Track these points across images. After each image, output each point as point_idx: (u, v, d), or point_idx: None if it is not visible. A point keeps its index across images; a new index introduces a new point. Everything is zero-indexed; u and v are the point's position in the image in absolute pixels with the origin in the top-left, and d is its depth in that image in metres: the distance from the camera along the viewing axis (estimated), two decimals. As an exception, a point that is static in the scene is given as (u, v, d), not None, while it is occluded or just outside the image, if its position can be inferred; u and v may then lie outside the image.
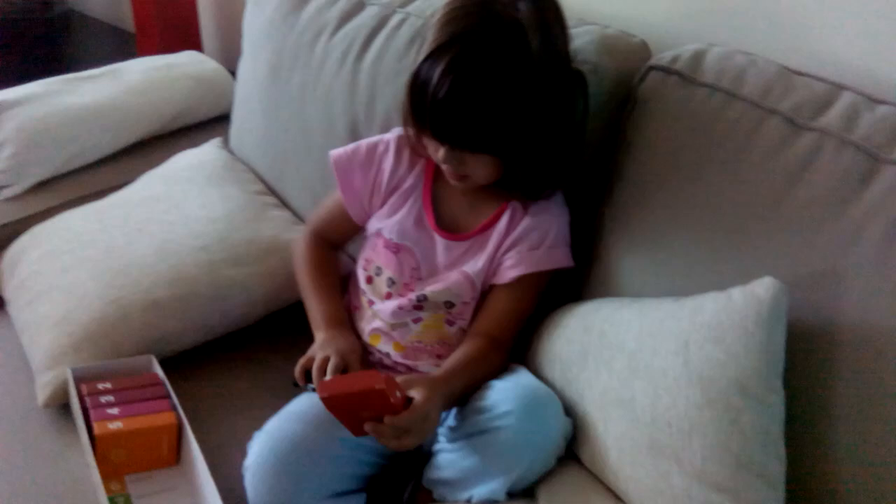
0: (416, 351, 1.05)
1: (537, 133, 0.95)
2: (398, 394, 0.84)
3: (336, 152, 1.12)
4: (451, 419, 0.94)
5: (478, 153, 0.95)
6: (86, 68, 1.66)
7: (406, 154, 1.08)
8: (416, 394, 0.87)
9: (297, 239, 1.18)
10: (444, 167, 0.99)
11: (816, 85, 0.94)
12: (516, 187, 1.01)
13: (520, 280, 1.00)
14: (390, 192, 1.08)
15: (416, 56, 0.96)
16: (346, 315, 1.10)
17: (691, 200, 0.95)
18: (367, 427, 0.85)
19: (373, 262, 1.07)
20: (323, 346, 1.01)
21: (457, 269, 1.02)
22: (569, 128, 1.00)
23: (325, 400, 0.83)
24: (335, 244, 1.17)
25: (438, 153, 0.96)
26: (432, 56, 0.91)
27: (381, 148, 1.09)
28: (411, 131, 1.01)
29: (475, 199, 1.05)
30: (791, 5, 1.04)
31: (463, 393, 0.94)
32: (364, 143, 1.11)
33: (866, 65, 0.98)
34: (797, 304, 0.81)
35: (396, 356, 1.05)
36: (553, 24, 0.95)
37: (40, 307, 1.18)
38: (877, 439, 0.79)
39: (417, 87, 0.92)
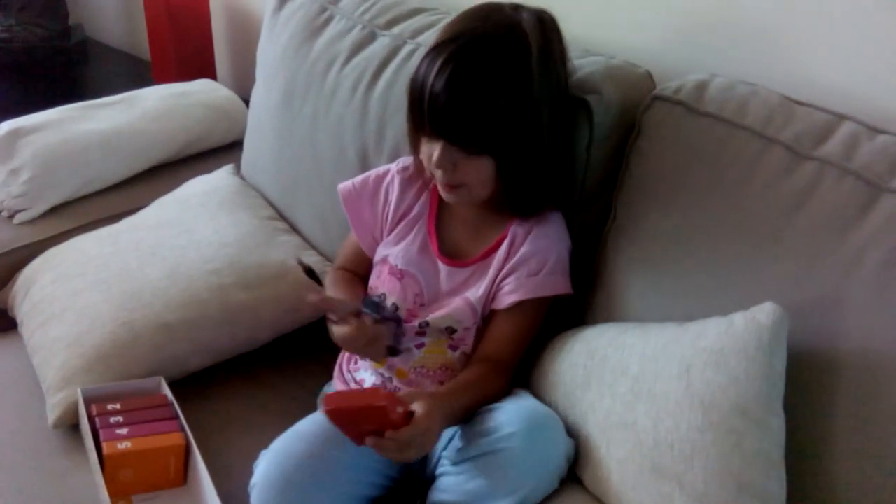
0: (419, 376, 1.05)
1: (531, 139, 0.96)
2: (399, 409, 0.86)
3: (344, 186, 1.13)
4: (454, 441, 0.94)
5: (472, 154, 0.95)
6: (103, 95, 1.69)
7: (412, 183, 1.10)
8: (417, 408, 0.88)
9: (328, 276, 1.19)
10: (438, 177, 0.98)
11: (817, 114, 0.96)
12: (513, 203, 1.02)
13: (519, 306, 1.01)
14: (397, 221, 1.10)
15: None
16: None
17: (694, 228, 0.97)
18: (369, 441, 0.86)
19: (378, 288, 1.09)
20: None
21: (459, 296, 1.03)
22: (565, 143, 1.02)
23: (329, 412, 0.85)
24: (361, 277, 1.17)
25: (434, 156, 0.96)
26: (433, 52, 0.94)
27: (387, 179, 1.11)
28: (412, 137, 1.02)
29: (478, 227, 1.06)
30: (792, 36, 1.06)
31: (464, 413, 0.95)
32: (371, 174, 1.13)
33: (867, 94, 1.00)
34: (798, 329, 0.82)
35: (399, 382, 1.06)
36: (553, 39, 0.99)
37: (52, 329, 1.20)
38: (877, 464, 0.79)
39: (416, 82, 0.95)
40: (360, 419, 0.85)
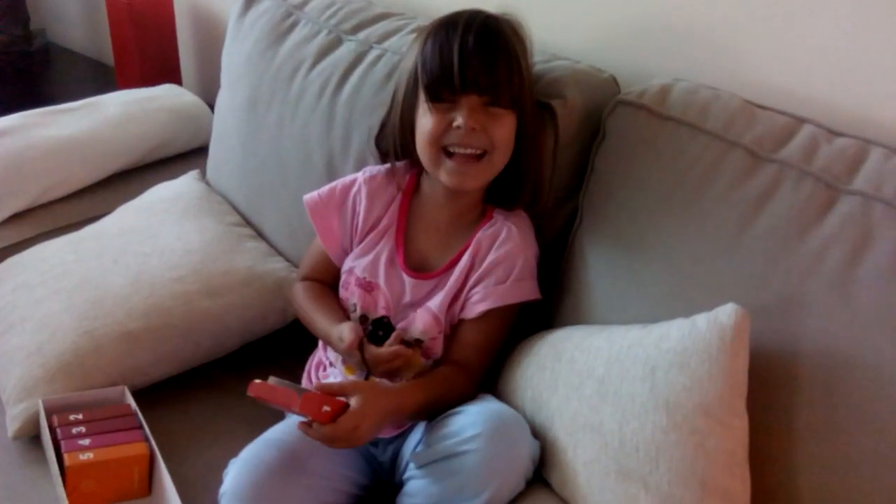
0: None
1: (529, 115, 1.01)
2: (326, 408, 0.88)
3: (310, 197, 1.12)
4: (420, 445, 0.94)
5: (500, 108, 0.97)
6: (66, 101, 1.67)
7: (380, 193, 1.09)
8: (353, 403, 0.90)
9: (293, 289, 1.17)
10: (460, 145, 0.97)
11: (778, 118, 0.98)
12: (497, 189, 1.04)
13: (487, 314, 1.01)
14: (367, 231, 1.09)
15: (395, 73, 1.04)
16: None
17: (658, 230, 0.98)
18: (298, 426, 0.91)
19: (347, 300, 1.08)
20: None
21: (422, 307, 1.03)
22: (539, 140, 1.05)
23: (251, 396, 0.89)
24: (329, 285, 1.16)
25: (459, 118, 0.96)
26: (444, 26, 0.98)
27: (354, 189, 1.10)
28: (401, 130, 1.03)
29: (446, 236, 1.06)
30: (754, 41, 1.07)
31: (420, 409, 0.96)
32: (338, 184, 1.12)
33: (826, 99, 1.02)
34: (760, 330, 0.83)
35: None
36: (525, 41, 1.03)
37: (13, 339, 1.18)
38: (838, 461, 0.80)
39: (437, 53, 0.97)
40: (283, 408, 0.91)
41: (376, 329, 1.02)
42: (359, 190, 1.10)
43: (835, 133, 0.94)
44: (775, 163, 0.92)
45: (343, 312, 1.08)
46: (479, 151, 0.98)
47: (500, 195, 1.06)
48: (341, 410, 0.89)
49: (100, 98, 1.71)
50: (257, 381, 0.90)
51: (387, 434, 1.03)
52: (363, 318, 1.05)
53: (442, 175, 1.00)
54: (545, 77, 1.09)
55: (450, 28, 0.98)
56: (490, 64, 0.96)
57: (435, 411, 0.96)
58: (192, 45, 2.07)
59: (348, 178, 1.13)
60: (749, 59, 1.08)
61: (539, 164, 1.06)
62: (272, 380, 0.91)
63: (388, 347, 0.98)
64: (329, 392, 0.91)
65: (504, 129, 0.98)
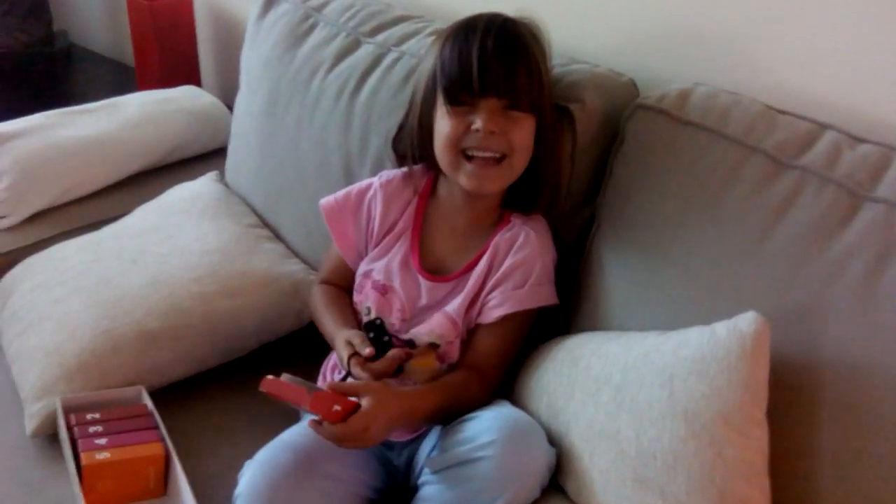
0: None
1: (548, 119, 1.00)
2: (336, 407, 0.88)
3: (326, 202, 1.13)
4: (436, 451, 0.94)
5: (520, 112, 0.97)
6: (87, 102, 1.68)
7: (396, 197, 1.09)
8: (363, 403, 0.89)
9: (311, 293, 1.18)
10: (479, 149, 0.97)
11: (799, 124, 0.96)
12: (515, 193, 1.04)
13: (504, 319, 1.01)
14: (382, 235, 1.09)
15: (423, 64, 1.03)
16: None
17: (678, 236, 0.97)
18: (309, 424, 0.91)
19: (362, 303, 1.08)
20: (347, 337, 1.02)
21: (439, 311, 1.03)
22: (558, 144, 1.04)
23: (263, 391, 0.90)
24: (346, 290, 1.16)
25: (478, 121, 0.96)
26: (463, 29, 0.98)
27: (370, 193, 1.10)
28: (420, 133, 1.03)
29: (463, 240, 1.06)
30: (776, 46, 1.06)
31: (432, 413, 0.96)
32: (354, 189, 1.12)
33: (849, 104, 1.01)
34: (780, 338, 0.82)
35: None
36: (544, 45, 1.02)
37: (32, 338, 1.19)
38: (859, 473, 0.79)
39: (456, 56, 0.96)
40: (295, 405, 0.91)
41: (368, 332, 1.01)
42: (374, 194, 1.10)
43: (858, 139, 0.93)
44: (797, 169, 0.91)
45: (355, 317, 1.08)
46: (498, 155, 0.98)
47: (518, 199, 1.05)
48: (352, 410, 0.89)
49: (119, 99, 1.72)
50: (270, 376, 0.90)
51: (402, 438, 1.03)
52: (368, 325, 1.04)
53: (461, 178, 1.00)
54: (563, 81, 1.09)
55: (469, 31, 0.98)
56: (509, 67, 0.96)
57: (448, 416, 0.96)
58: (211, 47, 2.08)
59: (364, 183, 1.12)
60: (770, 63, 1.07)
61: (558, 168, 1.05)
62: (285, 377, 0.92)
63: (381, 360, 0.97)
64: (341, 392, 0.91)
65: (523, 132, 0.98)
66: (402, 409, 0.93)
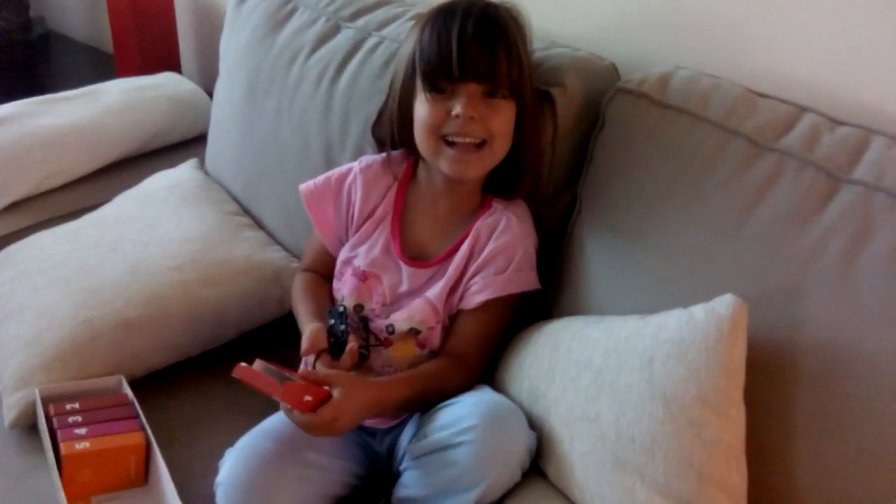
0: (388, 374, 1.04)
1: (529, 103, 1.00)
2: (308, 398, 0.88)
3: (305, 187, 1.12)
4: (417, 436, 0.94)
5: (500, 98, 0.96)
6: (65, 89, 1.66)
7: (376, 182, 1.08)
8: (335, 394, 0.90)
9: (294, 281, 1.17)
10: (459, 135, 0.96)
11: (780, 107, 0.96)
12: (496, 178, 1.03)
13: (486, 304, 1.01)
14: (363, 221, 1.08)
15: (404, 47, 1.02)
16: None
17: (658, 220, 0.97)
18: (281, 408, 0.92)
19: (339, 290, 1.08)
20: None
21: (420, 296, 1.03)
22: (536, 130, 1.03)
23: (236, 377, 0.89)
24: (327, 277, 1.16)
25: (458, 107, 0.95)
26: (443, 13, 0.97)
27: (350, 178, 1.10)
28: (399, 118, 1.02)
29: (444, 226, 1.05)
30: (757, 29, 1.06)
31: (403, 403, 0.96)
32: (334, 174, 1.11)
33: (830, 87, 1.01)
34: (759, 320, 0.82)
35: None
36: (525, 29, 1.02)
37: (11, 328, 1.18)
38: (836, 453, 0.80)
39: (435, 40, 0.95)
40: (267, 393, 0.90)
41: (329, 318, 1.00)
42: (354, 179, 1.09)
43: (837, 122, 0.93)
44: (776, 152, 0.91)
45: (330, 305, 1.08)
46: (478, 140, 0.97)
47: (499, 184, 1.05)
48: (323, 400, 0.89)
49: (98, 86, 1.70)
50: (243, 364, 0.90)
51: (383, 425, 1.03)
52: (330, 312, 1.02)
53: (442, 164, 0.99)
54: (544, 64, 1.08)
55: (448, 16, 0.97)
56: (489, 52, 0.95)
57: (425, 404, 0.96)
58: (191, 34, 2.06)
59: (344, 168, 1.12)
60: (751, 46, 1.07)
61: (539, 153, 1.05)
62: (258, 364, 0.91)
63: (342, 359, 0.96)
64: (314, 380, 0.91)
65: (503, 117, 0.97)
66: (372, 399, 0.93)
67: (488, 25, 0.96)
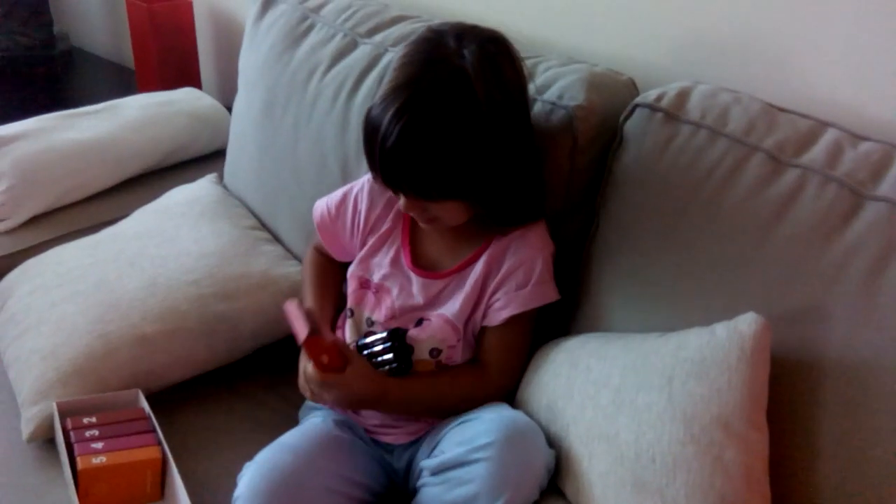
0: None
1: (497, 172, 0.93)
2: (324, 358, 0.94)
3: (319, 214, 1.14)
4: (434, 452, 0.93)
5: (437, 200, 0.94)
6: (87, 104, 1.68)
7: (383, 193, 1.08)
8: (347, 371, 0.94)
9: (305, 254, 1.21)
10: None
11: (800, 122, 0.95)
12: (493, 222, 1.01)
13: (510, 320, 1.00)
14: (368, 231, 1.09)
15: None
16: (331, 314, 1.12)
17: (677, 236, 0.96)
18: (301, 361, 1.00)
19: (350, 302, 1.08)
20: None
21: (435, 314, 1.02)
22: (533, 155, 1.00)
23: (285, 312, 0.95)
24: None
25: (400, 201, 0.97)
26: (382, 102, 0.90)
27: (355, 190, 1.11)
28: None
29: (456, 239, 1.04)
30: (777, 44, 1.05)
31: (407, 403, 0.99)
32: (345, 189, 1.13)
33: (851, 102, 1.00)
34: (781, 339, 0.81)
35: None
36: (503, 67, 0.93)
37: (28, 341, 1.18)
38: (862, 475, 0.78)
39: (369, 132, 0.92)
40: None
41: (392, 340, 0.99)
42: (361, 188, 1.10)
43: (859, 137, 0.92)
44: (798, 168, 0.90)
45: (331, 295, 1.13)
46: (427, 220, 0.99)
47: (500, 219, 1.01)
48: (336, 368, 0.94)
49: (119, 101, 1.71)
50: (296, 300, 0.96)
51: (402, 441, 1.03)
52: (361, 347, 1.03)
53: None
54: (562, 80, 1.08)
55: (386, 105, 0.89)
56: (413, 169, 0.90)
57: (440, 410, 0.96)
58: (211, 49, 2.08)
59: (356, 183, 1.13)
60: (770, 61, 1.06)
61: (541, 184, 1.02)
62: (306, 307, 0.97)
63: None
64: (338, 348, 0.95)
65: (447, 211, 0.96)
66: (376, 390, 0.97)
67: (418, 136, 0.88)
